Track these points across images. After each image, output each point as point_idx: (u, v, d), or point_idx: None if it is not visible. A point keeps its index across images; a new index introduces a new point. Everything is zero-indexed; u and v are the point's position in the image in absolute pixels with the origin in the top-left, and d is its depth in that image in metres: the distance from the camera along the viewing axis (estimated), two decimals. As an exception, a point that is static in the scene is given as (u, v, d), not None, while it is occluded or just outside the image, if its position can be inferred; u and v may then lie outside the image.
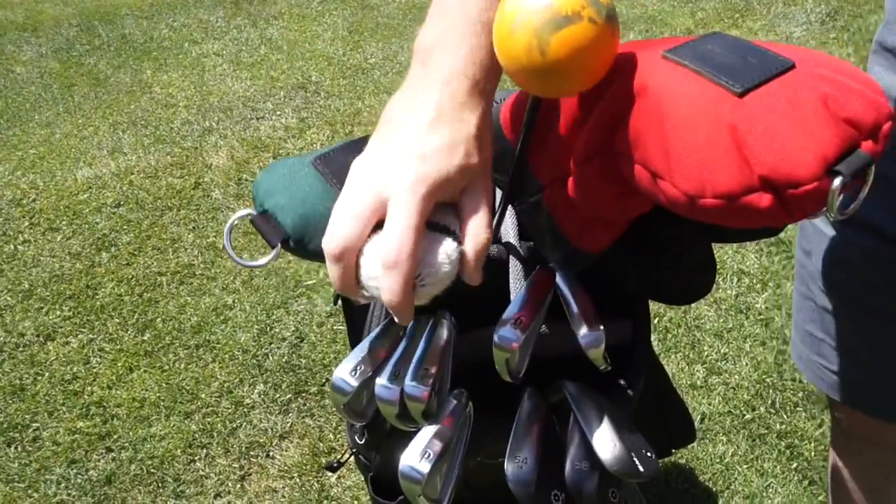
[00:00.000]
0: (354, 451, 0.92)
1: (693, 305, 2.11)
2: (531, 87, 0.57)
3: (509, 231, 0.77)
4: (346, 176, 0.60)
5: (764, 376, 1.89)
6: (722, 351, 1.97)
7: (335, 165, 0.68)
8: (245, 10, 4.01)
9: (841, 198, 0.46)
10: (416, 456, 0.66)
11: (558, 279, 0.73)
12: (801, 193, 0.45)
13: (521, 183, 0.65)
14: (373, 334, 0.71)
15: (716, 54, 0.51)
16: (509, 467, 0.68)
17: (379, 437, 0.84)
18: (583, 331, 0.70)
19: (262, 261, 0.67)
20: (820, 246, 0.95)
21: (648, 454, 0.69)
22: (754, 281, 2.17)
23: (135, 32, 3.88)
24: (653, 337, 2.01)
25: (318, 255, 0.65)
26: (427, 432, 0.68)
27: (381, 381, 0.67)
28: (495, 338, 0.65)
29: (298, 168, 0.69)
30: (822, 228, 0.94)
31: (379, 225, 0.58)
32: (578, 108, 0.57)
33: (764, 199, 0.46)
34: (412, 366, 0.68)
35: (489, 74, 0.59)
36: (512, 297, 0.75)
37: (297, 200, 0.67)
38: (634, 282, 0.75)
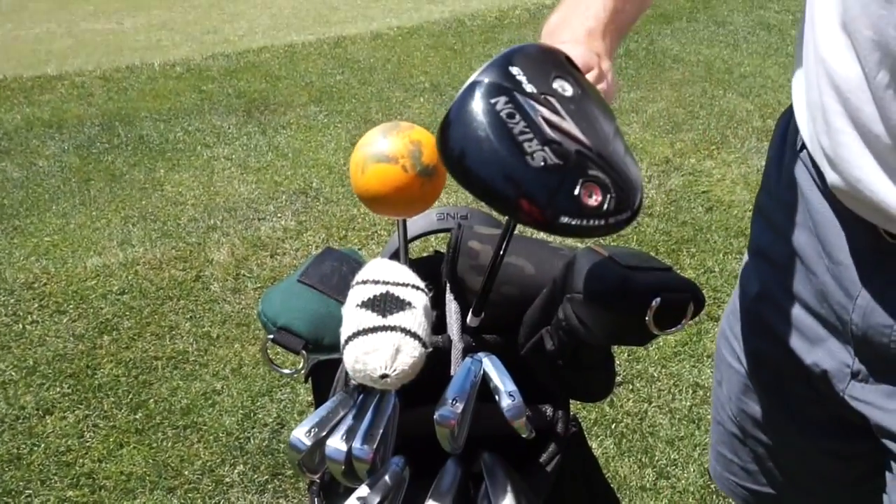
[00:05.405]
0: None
1: (649, 414, 2.26)
2: (359, 197, 0.83)
3: (452, 325, 0.94)
4: (328, 281, 0.80)
5: (710, 482, 2.03)
6: (672, 457, 2.12)
7: (316, 276, 0.88)
8: (256, 118, 4.29)
9: None
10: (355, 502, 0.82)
11: (486, 363, 0.90)
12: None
13: None
14: (328, 403, 0.88)
15: None
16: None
17: (334, 498, 1.00)
18: (506, 403, 0.86)
19: (295, 368, 0.84)
20: (729, 378, 1.09)
21: None
22: (708, 394, 2.33)
23: (152, 134, 4.15)
24: (609, 441, 2.17)
25: (331, 349, 0.83)
26: (365, 488, 0.84)
27: (332, 442, 0.84)
28: (436, 416, 0.81)
29: (290, 288, 0.87)
30: (730, 363, 1.08)
31: None
32: None
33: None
34: (361, 431, 0.84)
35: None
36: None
37: (302, 311, 0.85)
38: (545, 374, 0.92)
